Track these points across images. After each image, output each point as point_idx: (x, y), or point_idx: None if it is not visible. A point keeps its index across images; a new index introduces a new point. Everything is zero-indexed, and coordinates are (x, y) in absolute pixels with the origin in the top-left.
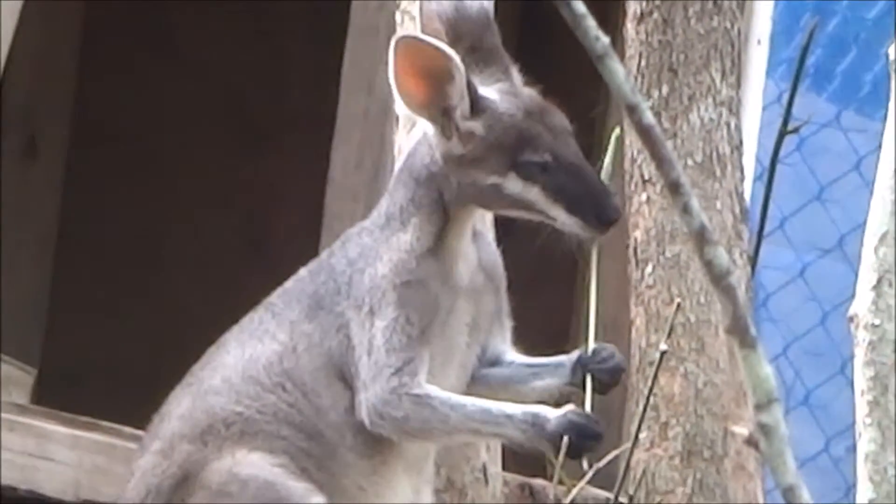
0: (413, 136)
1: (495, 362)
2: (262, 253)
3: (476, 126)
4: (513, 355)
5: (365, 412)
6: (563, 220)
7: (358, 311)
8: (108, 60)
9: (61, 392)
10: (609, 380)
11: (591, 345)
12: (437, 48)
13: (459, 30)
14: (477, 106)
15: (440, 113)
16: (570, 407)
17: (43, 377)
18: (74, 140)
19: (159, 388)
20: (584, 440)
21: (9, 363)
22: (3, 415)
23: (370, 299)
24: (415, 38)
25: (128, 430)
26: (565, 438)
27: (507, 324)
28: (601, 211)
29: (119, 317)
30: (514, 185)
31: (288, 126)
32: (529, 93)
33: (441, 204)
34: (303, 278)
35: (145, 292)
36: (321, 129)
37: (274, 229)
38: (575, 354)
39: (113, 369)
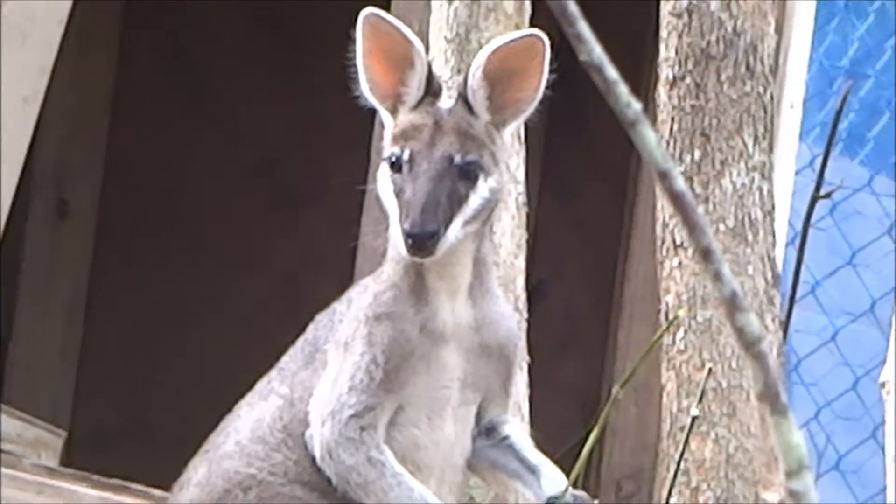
0: None
1: (491, 430)
2: (295, 315)
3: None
4: (510, 429)
5: (318, 446)
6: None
7: (337, 346)
8: (138, 122)
9: (91, 454)
10: None
11: (569, 491)
12: (400, 31)
13: None
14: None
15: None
16: None
17: (73, 439)
18: (104, 202)
19: (190, 450)
20: None
21: (38, 425)
22: (33, 477)
23: (348, 331)
24: (379, 15)
25: (157, 492)
26: None
27: (510, 394)
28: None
29: (149, 378)
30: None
31: (321, 188)
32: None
33: None
34: (308, 330)
35: (176, 354)
36: (354, 192)
37: (307, 292)
38: (553, 488)
39: (143, 431)
